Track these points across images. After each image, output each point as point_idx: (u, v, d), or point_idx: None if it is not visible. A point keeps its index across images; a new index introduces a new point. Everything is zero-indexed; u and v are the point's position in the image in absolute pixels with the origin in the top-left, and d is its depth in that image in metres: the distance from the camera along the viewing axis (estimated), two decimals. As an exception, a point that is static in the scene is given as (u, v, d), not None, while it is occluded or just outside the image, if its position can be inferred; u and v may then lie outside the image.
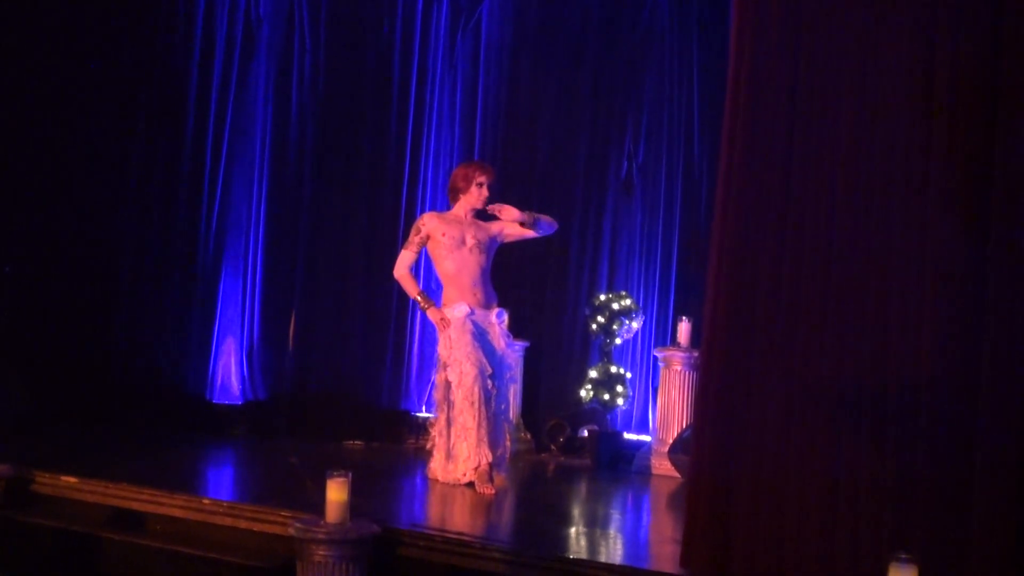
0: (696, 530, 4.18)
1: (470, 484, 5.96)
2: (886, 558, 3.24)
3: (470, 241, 6.25)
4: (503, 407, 6.19)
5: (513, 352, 6.46)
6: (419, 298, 6.30)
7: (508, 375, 6.30)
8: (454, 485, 6.04)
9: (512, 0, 8.83)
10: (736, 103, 4.23)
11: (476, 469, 5.93)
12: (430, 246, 6.32)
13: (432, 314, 6.21)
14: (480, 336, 6.13)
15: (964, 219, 3.68)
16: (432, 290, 8.18)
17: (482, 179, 6.32)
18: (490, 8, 8.85)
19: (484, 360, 6.03)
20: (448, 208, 6.52)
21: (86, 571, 4.99)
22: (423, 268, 8.37)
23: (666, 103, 8.60)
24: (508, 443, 6.33)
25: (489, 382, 6.01)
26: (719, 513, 4.11)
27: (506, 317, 6.47)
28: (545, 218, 6.40)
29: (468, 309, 6.15)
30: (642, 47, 8.67)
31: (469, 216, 6.36)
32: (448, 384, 6.11)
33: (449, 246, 6.22)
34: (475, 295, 6.22)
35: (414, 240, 6.33)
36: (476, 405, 5.92)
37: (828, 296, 3.96)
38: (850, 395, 3.86)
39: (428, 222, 6.33)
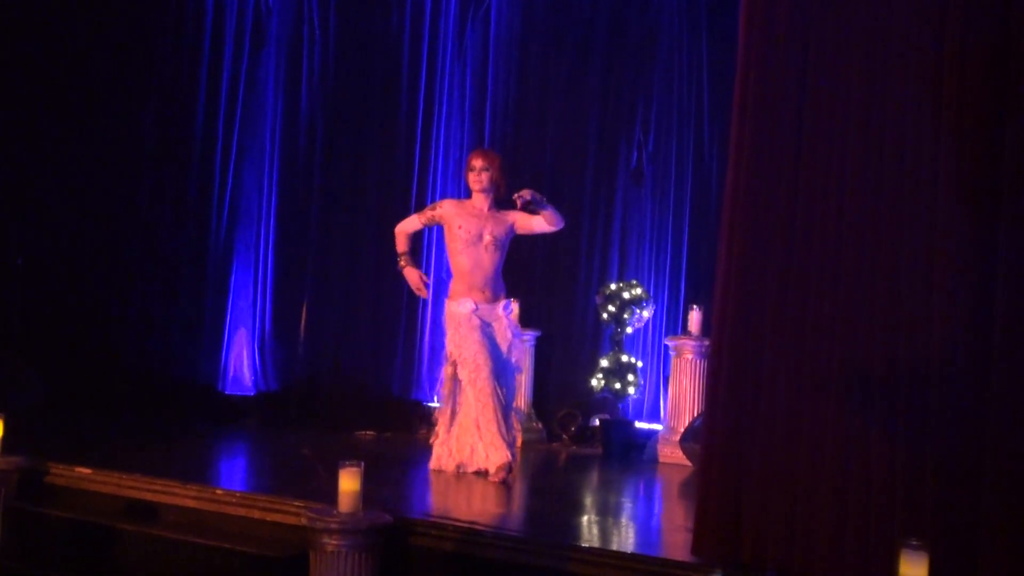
0: (707, 518, 4.18)
1: (483, 473, 5.98)
2: (897, 545, 3.24)
3: (487, 238, 6.17)
4: (509, 399, 6.16)
5: (520, 344, 6.44)
6: (402, 258, 6.32)
7: (512, 370, 6.27)
8: (461, 474, 6.07)
9: (521, -10, 8.83)
10: (745, 93, 4.22)
11: (503, 465, 5.89)
12: (446, 237, 6.29)
13: (409, 274, 6.24)
14: (486, 333, 6.12)
15: (973, 207, 3.67)
16: (442, 279, 8.19)
17: (475, 163, 6.24)
18: (499, -2, 8.86)
19: (494, 357, 6.04)
20: (468, 195, 6.46)
21: (101, 562, 5.02)
22: (435, 256, 8.39)
23: (675, 91, 8.58)
24: (516, 433, 6.34)
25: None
26: (730, 501, 4.12)
27: (514, 308, 6.45)
28: (555, 211, 6.28)
29: (473, 305, 6.12)
30: (651, 35, 8.64)
31: (488, 208, 6.27)
32: (454, 379, 6.14)
33: (466, 240, 6.16)
34: (484, 292, 6.19)
35: (426, 212, 6.36)
36: (494, 404, 5.92)
37: (838, 286, 3.96)
38: (860, 384, 3.86)
39: (446, 207, 6.30)
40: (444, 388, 6.29)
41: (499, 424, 5.94)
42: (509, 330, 6.28)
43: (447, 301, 6.26)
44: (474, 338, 6.04)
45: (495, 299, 6.25)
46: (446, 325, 6.24)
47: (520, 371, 6.58)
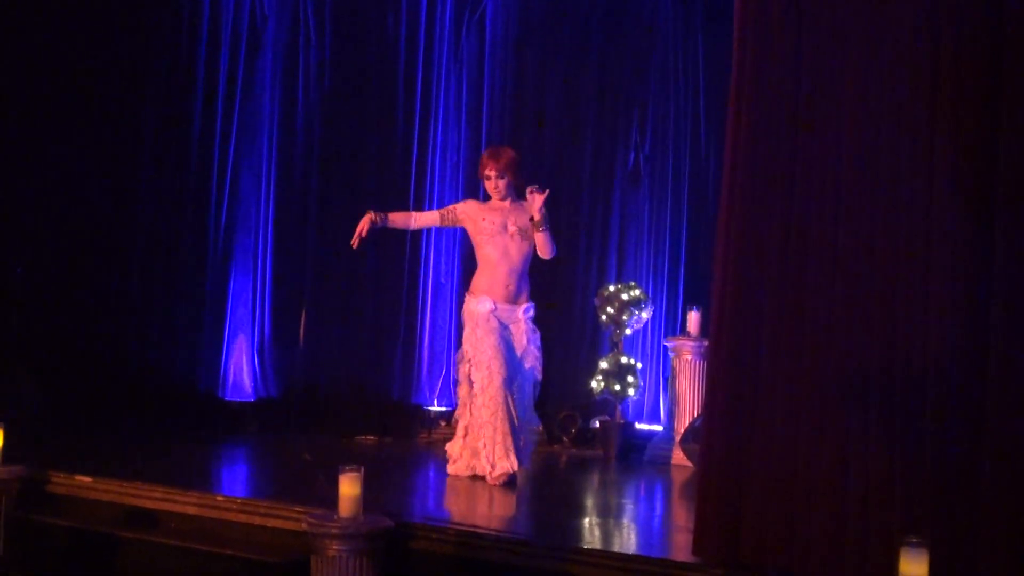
0: (708, 519, 4.18)
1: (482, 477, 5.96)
2: (897, 543, 3.24)
3: (512, 228, 6.04)
4: (520, 406, 6.04)
5: (536, 349, 6.23)
6: (383, 214, 6.13)
7: (525, 377, 6.14)
8: (472, 478, 6.00)
9: (516, -7, 8.85)
10: (740, 96, 4.23)
11: (504, 474, 5.84)
12: (471, 232, 6.16)
13: (364, 223, 6.05)
14: (503, 336, 6.00)
15: (970, 208, 3.68)
16: (440, 283, 8.18)
17: (488, 172, 6.11)
18: (495, 1, 8.85)
19: (509, 362, 5.93)
20: (470, 196, 6.41)
21: (102, 570, 5.02)
22: (433, 258, 8.39)
23: (672, 93, 8.60)
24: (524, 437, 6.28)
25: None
26: (730, 502, 4.12)
27: (532, 311, 6.28)
28: (551, 241, 6.09)
29: (492, 305, 6.00)
30: (648, 38, 8.66)
31: (510, 203, 6.14)
32: (470, 380, 6.03)
33: (491, 231, 6.04)
34: (507, 287, 6.05)
35: (448, 207, 6.29)
36: (503, 413, 5.83)
37: (834, 286, 3.96)
38: (858, 384, 3.87)
39: (469, 205, 6.23)
40: (460, 389, 6.16)
41: (506, 433, 5.84)
42: (526, 335, 6.13)
43: (467, 296, 6.14)
44: (490, 342, 5.93)
45: (517, 298, 6.11)
46: (464, 321, 6.13)
47: (538, 379, 6.29)
